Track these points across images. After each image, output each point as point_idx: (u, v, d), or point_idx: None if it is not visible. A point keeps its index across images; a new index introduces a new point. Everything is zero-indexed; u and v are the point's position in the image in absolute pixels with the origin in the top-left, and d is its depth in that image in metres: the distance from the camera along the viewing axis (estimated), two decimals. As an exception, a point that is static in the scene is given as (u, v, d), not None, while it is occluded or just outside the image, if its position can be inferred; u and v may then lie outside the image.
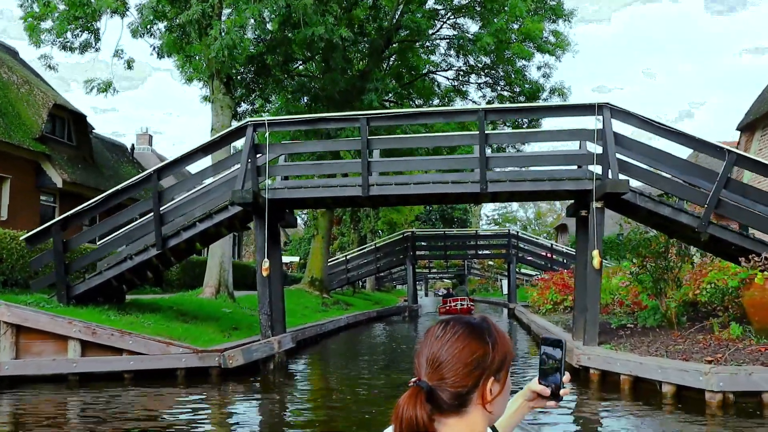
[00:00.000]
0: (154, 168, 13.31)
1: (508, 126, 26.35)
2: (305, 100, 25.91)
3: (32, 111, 26.91)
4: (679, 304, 14.18)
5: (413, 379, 1.55)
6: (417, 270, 42.89)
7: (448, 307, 38.16)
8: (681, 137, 11.78)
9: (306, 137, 20.09)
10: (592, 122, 12.05)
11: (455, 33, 29.55)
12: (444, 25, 30.02)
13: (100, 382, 11.76)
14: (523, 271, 48.29)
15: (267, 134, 12.92)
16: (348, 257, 37.05)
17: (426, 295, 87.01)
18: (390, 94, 28.82)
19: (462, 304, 38.23)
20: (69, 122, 29.31)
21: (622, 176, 11.64)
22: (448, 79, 31.29)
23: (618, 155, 11.72)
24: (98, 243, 14.51)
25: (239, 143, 14.35)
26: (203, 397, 11.16)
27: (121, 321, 13.24)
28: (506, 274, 65.94)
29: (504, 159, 12.86)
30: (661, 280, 14.40)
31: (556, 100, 27.70)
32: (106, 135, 36.23)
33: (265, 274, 12.74)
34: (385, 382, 12.64)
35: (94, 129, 35.20)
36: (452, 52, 30.36)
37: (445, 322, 1.63)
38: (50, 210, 26.97)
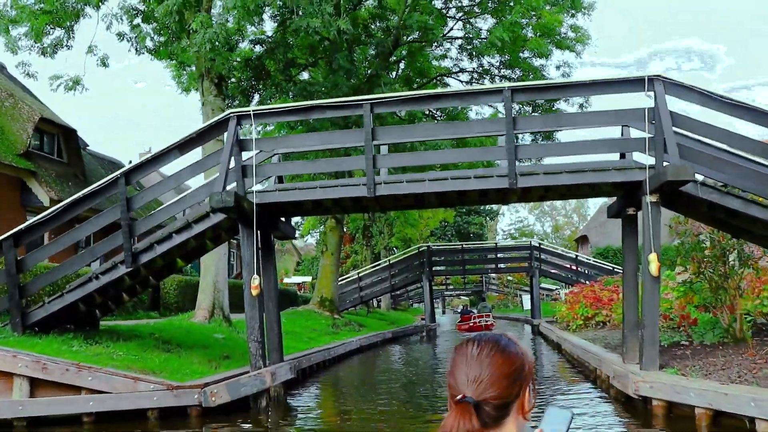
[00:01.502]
0: (121, 171, 11.29)
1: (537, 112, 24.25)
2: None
3: (17, 125, 25.12)
4: (743, 316, 12.03)
5: (458, 397, 1.60)
6: (433, 287, 40.75)
7: (471, 324, 37.48)
8: (757, 114, 9.62)
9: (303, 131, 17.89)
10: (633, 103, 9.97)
11: (467, 32, 27.55)
12: (455, 26, 28.06)
13: (54, 427, 9.71)
14: (543, 285, 45.94)
15: (253, 127, 10.91)
16: (361, 275, 34.90)
17: (443, 312, 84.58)
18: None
19: (486, 321, 37.41)
20: (58, 137, 27.50)
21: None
22: (461, 82, 29.23)
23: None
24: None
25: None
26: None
27: (86, 352, 11.19)
28: (526, 288, 64.15)
29: (536, 148, 10.72)
30: (720, 289, 12.24)
31: (578, 101, 25.69)
32: (101, 153, 34.35)
33: (254, 293, 10.66)
34: (405, 420, 10.53)
35: (87, 146, 33.50)
36: (464, 55, 28.36)
37: (475, 340, 1.71)
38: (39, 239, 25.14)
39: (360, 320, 30.54)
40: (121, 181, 11.20)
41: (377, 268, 35.95)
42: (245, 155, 11.18)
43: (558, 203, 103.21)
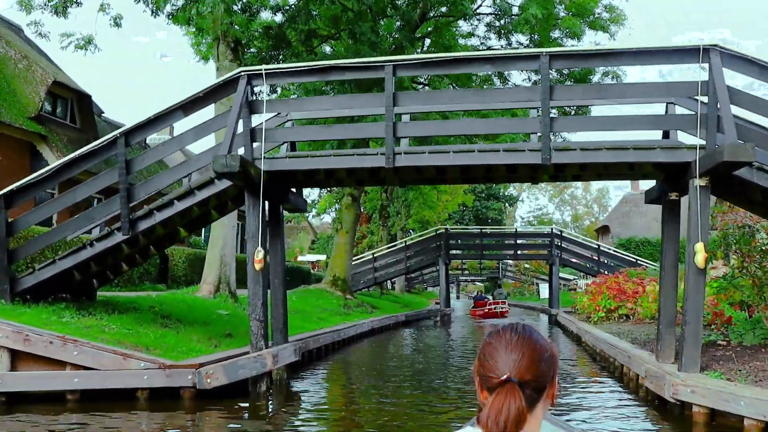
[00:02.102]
0: (121, 130, 10.42)
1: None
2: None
3: (29, 88, 24.39)
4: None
5: (503, 377, 1.64)
6: (449, 271, 39.86)
7: (486, 310, 37.37)
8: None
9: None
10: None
11: (497, 7, 26.38)
12: (484, 2, 26.90)
13: (36, 405, 8.92)
14: (561, 275, 44.92)
15: (265, 87, 10.00)
16: (375, 255, 34.03)
17: (458, 298, 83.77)
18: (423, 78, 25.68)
19: (502, 308, 37.38)
20: (72, 102, 26.79)
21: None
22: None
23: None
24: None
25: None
26: (164, 427, 8.28)
27: (76, 324, 10.40)
28: (543, 277, 63.06)
29: (573, 121, 9.71)
30: (766, 286, 11.27)
31: (608, 82, 24.50)
32: (116, 120, 33.53)
33: (257, 267, 9.79)
34: (414, 411, 9.67)
35: (103, 113, 32.79)
36: (492, 33, 27.19)
37: (509, 328, 1.77)
38: (47, 197, 24.41)
39: (373, 302, 29.72)
40: (121, 141, 10.33)
41: (393, 249, 35.08)
42: (255, 119, 10.29)
43: (579, 192, 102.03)
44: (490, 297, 48.87)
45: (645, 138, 10.19)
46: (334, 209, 44.66)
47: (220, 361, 9.69)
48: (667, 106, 10.22)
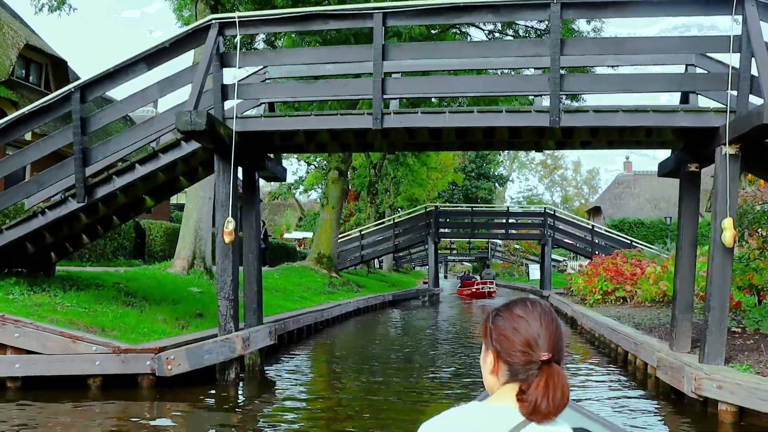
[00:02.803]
0: (75, 84, 9.25)
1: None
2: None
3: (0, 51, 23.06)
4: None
5: (545, 357, 1.61)
6: (438, 251, 38.87)
7: (474, 290, 37.37)
8: None
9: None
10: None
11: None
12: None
13: (-30, 393, 7.86)
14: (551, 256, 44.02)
15: (238, 38, 8.85)
16: (363, 233, 32.93)
17: (445, 277, 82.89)
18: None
19: (489, 288, 37.27)
20: (46, 68, 25.47)
21: None
22: (483, 30, 26.74)
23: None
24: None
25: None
26: (117, 420, 7.23)
27: (25, 302, 9.30)
28: (532, 258, 62.18)
29: (587, 79, 8.58)
30: (786, 269, 10.33)
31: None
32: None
33: (227, 240, 8.69)
34: (402, 396, 8.65)
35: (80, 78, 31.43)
36: None
37: (533, 300, 1.73)
38: (20, 170, 23.15)
39: (359, 280, 28.68)
40: (75, 97, 9.15)
41: (381, 226, 33.99)
42: (227, 74, 9.15)
43: (569, 173, 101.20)
44: (478, 277, 48.30)
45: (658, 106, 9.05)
46: (321, 185, 43.46)
47: (185, 345, 8.63)
48: (686, 67, 9.14)
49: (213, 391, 8.60)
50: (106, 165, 10.13)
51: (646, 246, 30.90)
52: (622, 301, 19.87)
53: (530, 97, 11.67)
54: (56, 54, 25.64)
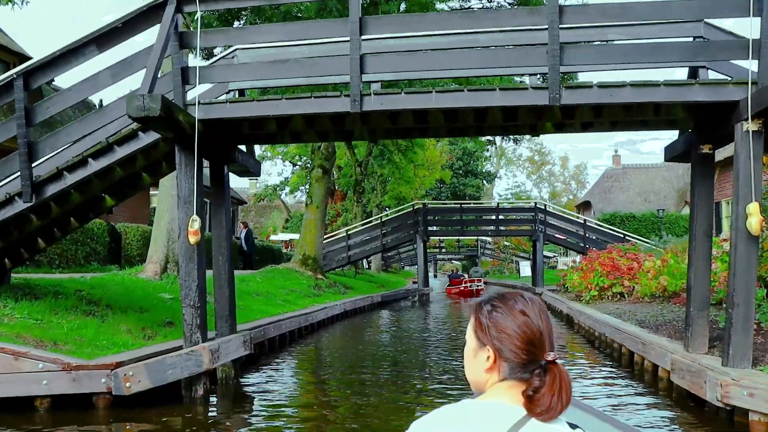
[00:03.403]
0: (17, 70, 8.29)
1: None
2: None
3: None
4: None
5: (550, 357, 1.59)
6: (427, 249, 37.97)
7: (462, 288, 37.41)
8: None
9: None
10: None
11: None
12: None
13: None
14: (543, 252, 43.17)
15: (199, 14, 7.92)
16: (349, 233, 31.95)
17: (435, 276, 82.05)
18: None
19: (477, 286, 37.09)
20: (14, 65, 24.37)
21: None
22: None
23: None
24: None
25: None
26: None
27: (-32, 313, 8.33)
28: (523, 255, 61.39)
29: (590, 51, 7.65)
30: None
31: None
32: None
33: (192, 240, 7.75)
34: (392, 412, 7.75)
35: (53, 80, 30.31)
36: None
37: (527, 296, 1.67)
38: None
39: (346, 282, 27.75)
40: (18, 84, 8.19)
41: (368, 225, 33.02)
42: (189, 58, 8.22)
43: (557, 169, 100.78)
44: (466, 275, 47.79)
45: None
46: (306, 186, 42.50)
47: (148, 359, 7.69)
48: (694, 40, 8.28)
49: (179, 410, 7.68)
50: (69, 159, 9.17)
51: (640, 240, 30.14)
52: (619, 297, 19.07)
53: (524, 79, 10.77)
54: (24, 52, 24.60)
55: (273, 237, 53.20)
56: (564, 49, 7.19)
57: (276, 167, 64.07)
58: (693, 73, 8.40)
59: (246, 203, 57.07)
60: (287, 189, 51.14)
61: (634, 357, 10.72)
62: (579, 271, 21.88)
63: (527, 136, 69.98)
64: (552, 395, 1.55)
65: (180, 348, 8.17)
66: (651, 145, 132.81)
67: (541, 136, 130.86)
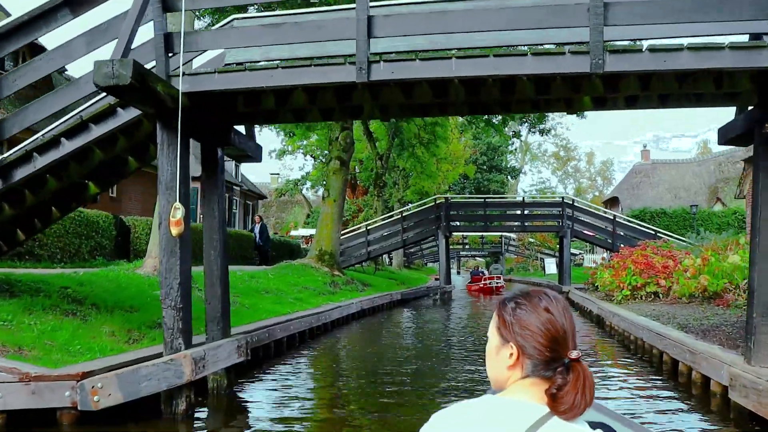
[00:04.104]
0: (-20, 36, 7.31)
1: None
2: None
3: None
4: None
5: (574, 355, 1.58)
6: (450, 247, 36.81)
7: (483, 285, 37.10)
8: None
9: None
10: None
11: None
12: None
13: None
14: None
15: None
16: (369, 228, 30.87)
17: (458, 273, 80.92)
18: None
19: (497, 282, 36.91)
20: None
21: None
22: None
23: None
24: None
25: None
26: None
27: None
28: (547, 251, 60.00)
29: (640, 9, 6.46)
30: None
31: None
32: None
33: (174, 232, 6.70)
34: (416, 421, 6.68)
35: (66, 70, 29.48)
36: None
37: (545, 294, 1.67)
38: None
39: (365, 278, 26.68)
40: (-21, 54, 7.22)
41: (388, 220, 31.90)
42: (171, 20, 7.18)
43: (582, 165, 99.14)
44: (487, 272, 47.07)
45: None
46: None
47: (123, 367, 6.66)
48: None
49: (156, 428, 6.65)
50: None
51: (673, 237, 28.73)
52: (653, 297, 17.83)
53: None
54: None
55: (293, 232, 52.52)
56: (609, 7, 6.05)
57: (297, 161, 63.16)
58: (756, 39, 7.20)
59: (266, 198, 56.29)
60: (308, 184, 50.28)
61: (678, 366, 9.55)
62: (610, 268, 20.65)
63: (554, 128, 68.62)
64: (576, 393, 1.54)
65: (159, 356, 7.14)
66: (678, 142, 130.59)
67: (569, 124, 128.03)
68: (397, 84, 6.78)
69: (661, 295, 17.64)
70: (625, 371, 10.99)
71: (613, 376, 10.42)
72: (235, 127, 8.52)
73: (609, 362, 12.19)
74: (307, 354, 12.44)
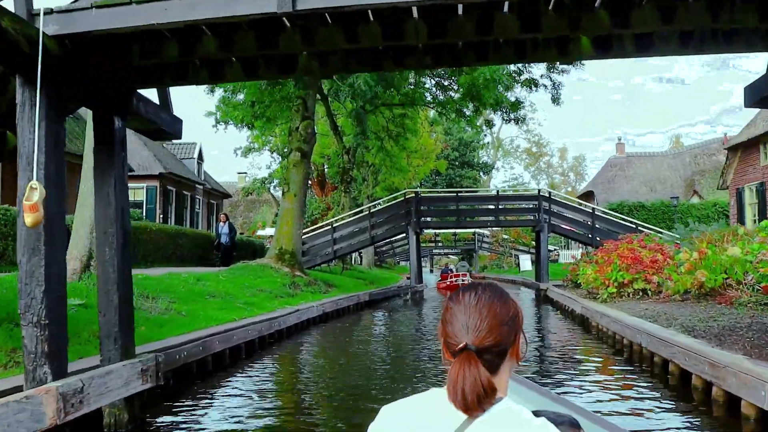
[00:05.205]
0: None
1: None
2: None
3: None
4: None
5: (460, 346, 1.56)
6: (422, 244, 35.17)
7: (450, 282, 36.52)
8: None
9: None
10: None
11: None
12: None
13: None
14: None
15: None
16: (335, 225, 29.10)
17: (431, 272, 79.53)
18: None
19: (464, 280, 35.62)
20: None
21: None
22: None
23: None
24: None
25: None
26: None
27: None
28: (521, 248, 58.54)
29: None
30: None
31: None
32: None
33: (28, 221, 4.89)
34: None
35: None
36: None
37: (471, 289, 1.67)
38: None
39: (330, 279, 24.89)
40: None
41: (355, 217, 30.15)
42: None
43: (555, 160, 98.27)
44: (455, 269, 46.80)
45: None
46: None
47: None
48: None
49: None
50: None
51: (654, 230, 27.35)
52: (641, 294, 16.32)
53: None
54: None
55: (260, 232, 50.78)
56: None
57: (264, 159, 61.42)
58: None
59: (231, 197, 54.45)
60: (275, 182, 48.47)
61: (691, 379, 7.95)
62: (593, 264, 19.10)
63: (527, 122, 67.30)
64: (448, 386, 1.54)
65: (73, 374, 5.33)
66: (650, 137, 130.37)
67: (541, 119, 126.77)
68: (336, 20, 5.06)
69: (650, 293, 16.17)
70: (622, 382, 9.38)
71: (609, 389, 8.80)
72: (141, 92, 6.73)
73: (599, 371, 10.60)
74: (253, 368, 10.66)
